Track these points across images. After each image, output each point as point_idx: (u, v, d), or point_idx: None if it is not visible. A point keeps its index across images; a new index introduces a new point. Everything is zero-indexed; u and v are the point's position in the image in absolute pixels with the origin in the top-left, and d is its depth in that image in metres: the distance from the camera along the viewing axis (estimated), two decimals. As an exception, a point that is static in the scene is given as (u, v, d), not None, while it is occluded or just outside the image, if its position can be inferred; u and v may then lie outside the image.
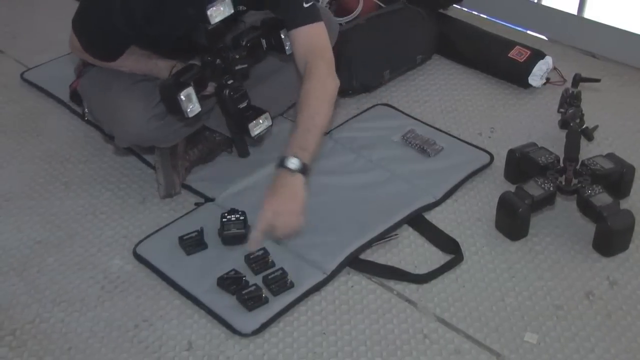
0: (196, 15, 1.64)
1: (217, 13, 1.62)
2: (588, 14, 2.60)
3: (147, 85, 1.85)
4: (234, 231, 1.77)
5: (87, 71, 1.94)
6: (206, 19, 1.62)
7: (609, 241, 1.76)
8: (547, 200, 1.82)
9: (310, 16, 1.74)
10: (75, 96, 2.23)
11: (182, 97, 1.65)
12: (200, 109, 1.69)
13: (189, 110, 1.67)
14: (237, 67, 1.76)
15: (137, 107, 1.81)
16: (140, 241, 1.83)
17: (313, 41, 1.75)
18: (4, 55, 2.66)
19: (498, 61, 2.42)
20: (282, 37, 1.77)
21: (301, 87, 1.71)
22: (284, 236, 1.69)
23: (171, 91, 1.66)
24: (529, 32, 2.72)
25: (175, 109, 1.68)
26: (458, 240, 1.81)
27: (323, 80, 1.72)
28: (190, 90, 1.66)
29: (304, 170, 1.62)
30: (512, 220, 1.81)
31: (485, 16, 2.81)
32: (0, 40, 2.74)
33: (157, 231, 1.86)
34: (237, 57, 1.74)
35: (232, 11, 1.65)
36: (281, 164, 1.62)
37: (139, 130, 1.83)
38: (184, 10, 1.67)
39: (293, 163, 1.61)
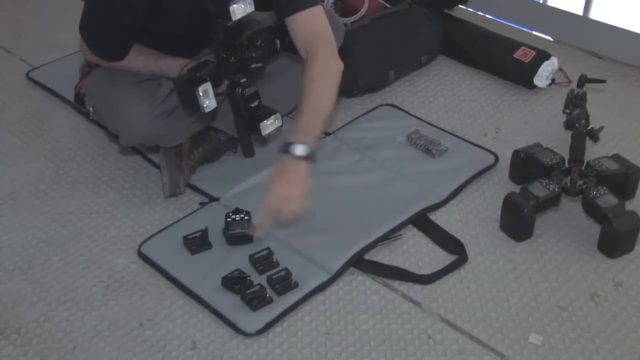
0: (217, 11, 1.64)
1: (239, 10, 1.63)
2: (594, 15, 2.59)
3: (152, 84, 1.86)
4: (238, 231, 1.77)
5: (93, 71, 1.95)
6: (228, 16, 1.62)
7: (614, 242, 1.76)
8: (552, 201, 1.81)
9: (308, 0, 1.73)
10: (79, 98, 2.24)
11: (200, 91, 1.65)
12: (216, 105, 1.70)
13: (205, 105, 1.67)
14: (253, 65, 1.76)
15: (141, 105, 1.82)
16: (145, 240, 1.83)
17: (313, 26, 1.74)
18: (10, 55, 2.67)
19: (503, 62, 2.42)
20: None
21: (304, 72, 1.71)
22: (288, 221, 1.70)
23: (189, 85, 1.66)
24: (534, 32, 2.71)
25: (191, 103, 1.68)
26: (463, 240, 1.81)
27: (326, 64, 1.72)
28: (207, 85, 1.66)
29: (309, 156, 1.63)
30: (517, 221, 1.80)
31: (490, 17, 2.81)
32: (6, 39, 2.75)
33: (161, 230, 1.86)
34: (254, 55, 1.74)
35: (253, 9, 1.66)
36: (286, 150, 1.63)
37: (143, 129, 1.83)
38: (190, 6, 1.67)
39: (300, 149, 1.62)
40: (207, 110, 1.68)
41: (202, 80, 1.66)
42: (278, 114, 1.80)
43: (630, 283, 1.71)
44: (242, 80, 1.77)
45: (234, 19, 1.63)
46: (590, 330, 1.60)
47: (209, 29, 1.72)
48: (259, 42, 1.75)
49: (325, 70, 1.71)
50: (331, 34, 1.76)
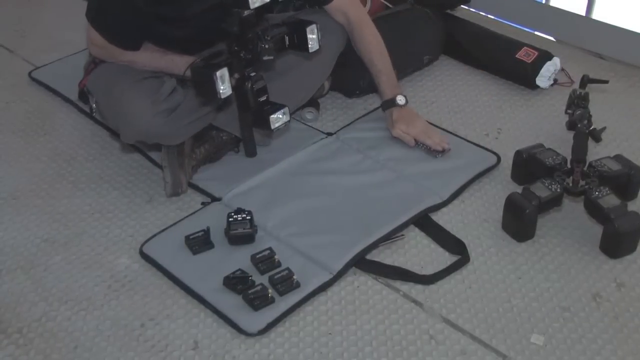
0: None
1: None
2: (596, 15, 2.59)
3: (155, 81, 1.86)
4: (240, 231, 1.77)
5: (97, 67, 1.95)
6: (245, 4, 1.62)
7: (616, 243, 1.76)
8: (554, 202, 1.81)
9: None
10: (83, 95, 2.24)
11: (217, 76, 1.65)
12: (231, 92, 1.70)
13: (221, 91, 1.67)
14: (265, 57, 1.76)
15: (143, 102, 1.82)
16: (147, 240, 1.83)
17: None
18: (13, 54, 2.67)
19: (505, 62, 2.41)
20: (308, 36, 1.78)
21: (355, 36, 2.07)
22: (441, 141, 2.06)
23: (207, 70, 1.66)
24: (536, 32, 2.71)
25: (207, 90, 1.68)
26: (464, 241, 1.81)
27: (371, 25, 2.09)
28: (224, 71, 1.67)
29: (407, 101, 2.10)
30: (519, 222, 1.80)
31: (492, 17, 2.81)
32: (9, 39, 2.75)
33: (163, 230, 1.86)
34: (266, 47, 1.74)
35: None
36: (394, 104, 2.07)
37: (145, 126, 1.83)
38: None
39: (401, 100, 2.07)
40: (222, 97, 1.68)
41: (220, 66, 1.67)
42: (287, 109, 1.80)
43: (632, 284, 1.71)
44: (252, 74, 1.77)
45: (252, 6, 1.63)
46: (592, 330, 1.60)
47: (223, 20, 1.72)
48: (269, 37, 1.75)
49: (373, 29, 2.08)
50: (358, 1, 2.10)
